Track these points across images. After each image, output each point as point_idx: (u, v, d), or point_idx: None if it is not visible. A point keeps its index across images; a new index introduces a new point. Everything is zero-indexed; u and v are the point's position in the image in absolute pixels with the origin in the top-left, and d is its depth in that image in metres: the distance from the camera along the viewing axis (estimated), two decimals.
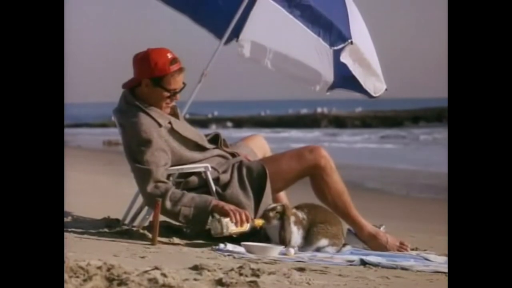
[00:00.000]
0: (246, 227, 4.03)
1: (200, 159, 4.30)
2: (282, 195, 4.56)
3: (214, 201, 4.11)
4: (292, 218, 4.08)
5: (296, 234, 4.08)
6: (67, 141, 17.09)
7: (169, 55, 4.22)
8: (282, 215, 4.06)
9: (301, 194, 4.45)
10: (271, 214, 4.07)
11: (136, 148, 4.16)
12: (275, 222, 4.06)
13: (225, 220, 3.98)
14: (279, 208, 4.08)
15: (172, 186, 4.14)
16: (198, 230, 4.21)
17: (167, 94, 4.23)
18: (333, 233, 4.14)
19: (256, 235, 4.11)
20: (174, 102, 4.32)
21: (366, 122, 39.29)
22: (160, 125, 4.20)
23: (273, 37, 5.01)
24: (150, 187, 4.10)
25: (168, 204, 4.08)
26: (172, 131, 4.25)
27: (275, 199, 4.37)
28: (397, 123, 38.03)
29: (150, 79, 4.21)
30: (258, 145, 4.68)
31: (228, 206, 4.06)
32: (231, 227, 3.98)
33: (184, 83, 4.29)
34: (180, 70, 4.24)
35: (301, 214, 4.13)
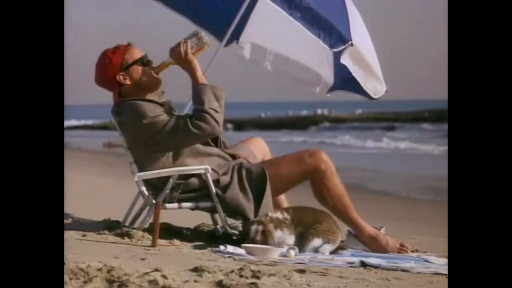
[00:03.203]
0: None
1: (199, 150, 4.28)
2: (282, 198, 4.55)
3: (195, 83, 4.25)
4: (271, 225, 4.07)
5: (283, 237, 4.07)
6: (67, 143, 17.08)
7: (111, 48, 4.39)
8: (263, 234, 4.04)
9: (301, 197, 4.45)
10: (258, 238, 4.03)
11: (151, 125, 4.19)
12: (261, 240, 4.03)
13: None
14: (260, 228, 4.06)
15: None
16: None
17: (142, 64, 4.33)
18: (324, 230, 4.13)
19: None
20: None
21: (366, 124, 39.28)
22: None
23: (273, 39, 5.00)
24: (192, 127, 4.16)
25: (213, 121, 4.18)
26: None
27: (275, 202, 4.37)
28: (397, 125, 37.99)
29: (121, 70, 4.30)
30: (258, 147, 4.67)
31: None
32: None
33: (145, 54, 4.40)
34: (128, 44, 4.38)
35: (281, 215, 4.12)
